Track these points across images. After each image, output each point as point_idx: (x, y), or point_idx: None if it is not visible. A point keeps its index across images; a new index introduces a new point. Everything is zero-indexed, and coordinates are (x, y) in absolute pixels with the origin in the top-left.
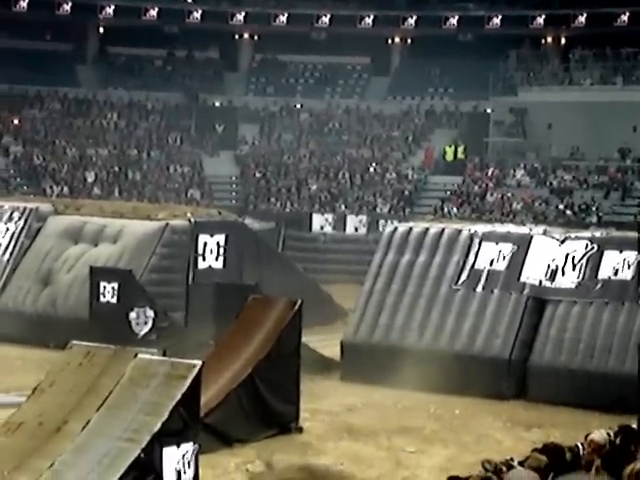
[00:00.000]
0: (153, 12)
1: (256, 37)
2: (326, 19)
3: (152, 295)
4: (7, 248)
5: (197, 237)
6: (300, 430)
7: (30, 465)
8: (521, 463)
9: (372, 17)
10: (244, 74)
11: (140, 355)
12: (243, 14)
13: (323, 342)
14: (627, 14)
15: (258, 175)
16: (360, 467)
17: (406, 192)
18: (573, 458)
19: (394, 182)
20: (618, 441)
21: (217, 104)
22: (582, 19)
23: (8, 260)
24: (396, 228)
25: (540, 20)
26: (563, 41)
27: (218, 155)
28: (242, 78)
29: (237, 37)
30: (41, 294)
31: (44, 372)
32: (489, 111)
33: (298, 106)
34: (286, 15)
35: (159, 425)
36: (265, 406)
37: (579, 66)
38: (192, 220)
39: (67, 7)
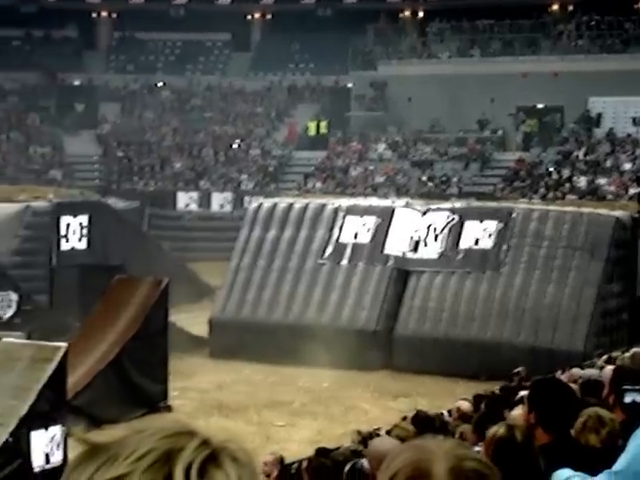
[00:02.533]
0: None
1: (114, 15)
2: None
3: (15, 278)
4: None
5: (59, 218)
6: (169, 409)
7: None
8: (388, 433)
9: None
10: (103, 52)
11: (4, 339)
12: None
13: (191, 320)
14: None
15: (120, 154)
16: None
17: (270, 168)
18: (441, 426)
19: (258, 158)
20: (484, 407)
21: (77, 83)
22: None
23: None
24: (261, 204)
25: None
26: (420, 14)
27: (79, 134)
28: (101, 56)
29: (95, 15)
30: None
31: None
32: (350, 85)
33: (159, 84)
34: None
35: (26, 409)
36: (134, 386)
37: (437, 39)
38: (53, 201)
39: None
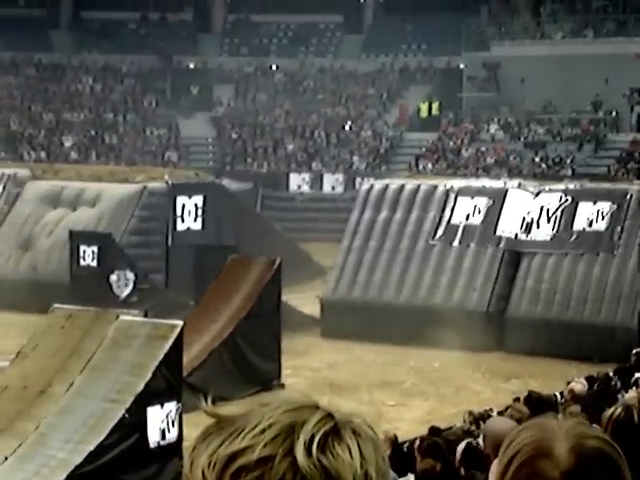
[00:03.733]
0: None
1: None
2: None
3: (132, 257)
4: None
5: (175, 199)
6: (282, 387)
7: (15, 428)
8: (500, 414)
9: None
10: (218, 35)
11: (122, 317)
12: None
13: (302, 300)
14: None
15: (234, 136)
16: None
17: (382, 149)
18: (552, 408)
19: (370, 140)
20: (596, 388)
21: (191, 66)
22: None
23: None
24: (372, 185)
25: None
26: None
27: (194, 117)
28: (216, 39)
29: None
30: (22, 259)
31: (27, 336)
32: (462, 66)
33: (273, 66)
34: None
35: (142, 385)
36: (247, 364)
37: (550, 20)
38: (170, 182)
39: None
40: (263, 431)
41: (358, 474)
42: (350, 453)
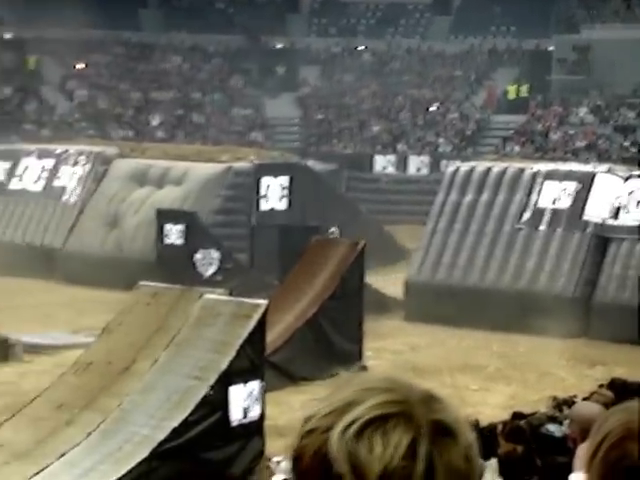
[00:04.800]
0: None
1: None
2: None
3: (217, 237)
4: (74, 191)
5: (260, 179)
6: (364, 369)
7: (99, 404)
8: (585, 399)
9: None
10: (306, 16)
11: (206, 295)
12: None
13: (386, 282)
14: None
15: (320, 117)
16: None
17: (468, 132)
18: (637, 394)
19: (456, 122)
20: None
21: (279, 46)
22: None
23: (75, 203)
24: (458, 168)
25: None
26: None
27: (280, 97)
28: (304, 20)
29: None
30: (108, 237)
31: (112, 313)
32: (551, 49)
33: (360, 47)
34: None
35: (226, 363)
36: (329, 345)
37: None
38: (255, 162)
39: None
40: (328, 405)
41: (390, 468)
42: (386, 446)
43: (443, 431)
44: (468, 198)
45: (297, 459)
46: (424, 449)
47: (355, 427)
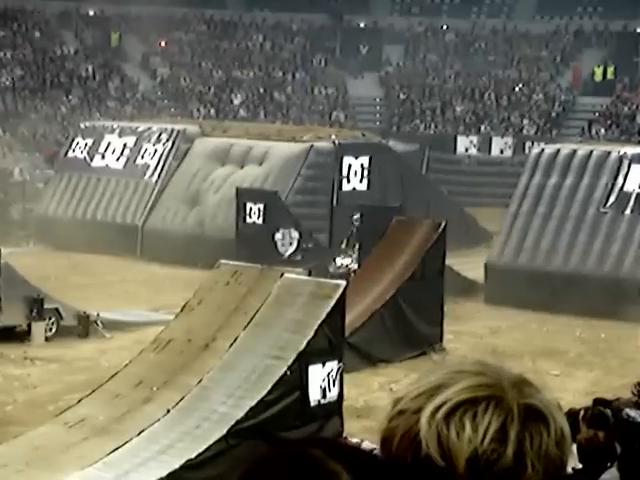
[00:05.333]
0: None
1: None
2: None
3: (297, 216)
4: (155, 169)
5: (341, 159)
6: (444, 351)
7: (178, 381)
8: None
9: None
10: None
11: (286, 274)
12: None
13: (467, 265)
14: None
15: (402, 96)
16: None
17: (553, 113)
18: None
19: (541, 103)
20: None
21: (362, 25)
22: None
23: (156, 181)
24: (543, 150)
25: None
26: None
27: (362, 77)
28: None
29: None
30: (189, 215)
31: (192, 291)
32: (639, 30)
33: (444, 26)
34: None
35: (305, 343)
36: (409, 327)
37: None
38: (336, 142)
39: None
40: (419, 387)
41: (480, 451)
42: (476, 429)
43: (534, 416)
44: (552, 181)
45: (386, 440)
46: (514, 433)
47: (445, 409)
